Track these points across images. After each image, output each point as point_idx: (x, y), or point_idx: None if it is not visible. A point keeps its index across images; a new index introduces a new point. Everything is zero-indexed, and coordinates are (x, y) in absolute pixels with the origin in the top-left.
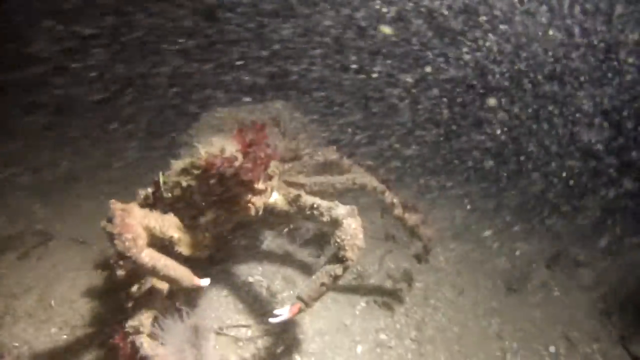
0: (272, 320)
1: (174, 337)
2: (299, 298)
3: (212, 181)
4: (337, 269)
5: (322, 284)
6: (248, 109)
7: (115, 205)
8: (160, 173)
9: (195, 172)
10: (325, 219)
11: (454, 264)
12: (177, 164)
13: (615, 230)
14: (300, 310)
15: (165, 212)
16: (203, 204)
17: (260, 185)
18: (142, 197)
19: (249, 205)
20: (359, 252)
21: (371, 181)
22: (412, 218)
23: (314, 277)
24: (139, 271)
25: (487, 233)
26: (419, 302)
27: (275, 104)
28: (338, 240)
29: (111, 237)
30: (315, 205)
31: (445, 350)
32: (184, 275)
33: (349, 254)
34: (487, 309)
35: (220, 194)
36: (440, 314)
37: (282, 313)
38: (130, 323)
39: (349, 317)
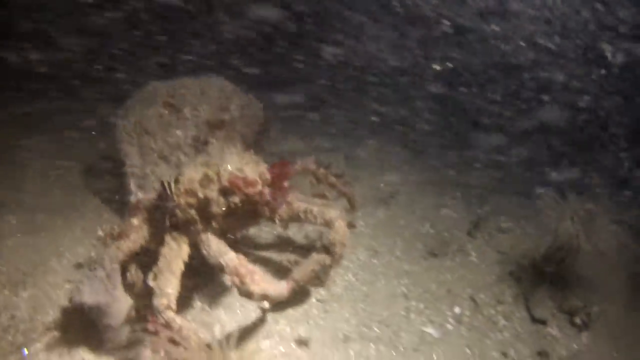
0: None
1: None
2: (293, 279)
3: (234, 199)
4: (327, 260)
5: (312, 270)
6: (181, 84)
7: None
8: (170, 180)
9: (214, 186)
10: (319, 221)
11: (373, 228)
12: (192, 172)
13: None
14: (292, 289)
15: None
16: (217, 216)
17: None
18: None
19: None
20: (345, 248)
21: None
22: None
23: (305, 263)
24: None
25: (415, 199)
26: None
27: (210, 80)
28: (330, 237)
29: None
30: (307, 210)
31: (350, 307)
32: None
33: (338, 250)
34: (399, 271)
35: (239, 209)
36: (351, 273)
37: None
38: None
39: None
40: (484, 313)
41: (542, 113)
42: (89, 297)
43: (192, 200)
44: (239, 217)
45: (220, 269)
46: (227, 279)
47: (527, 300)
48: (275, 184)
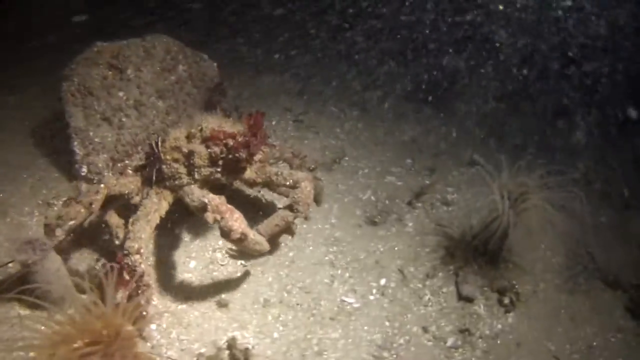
0: None
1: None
2: (257, 229)
3: (215, 149)
4: (290, 217)
5: (277, 225)
6: (126, 45)
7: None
8: (157, 138)
9: (197, 140)
10: (288, 182)
11: None
12: (176, 132)
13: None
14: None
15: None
16: (200, 167)
17: (255, 159)
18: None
19: (243, 171)
20: (308, 208)
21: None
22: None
23: (270, 218)
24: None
25: (360, 165)
26: None
27: (156, 40)
28: (295, 196)
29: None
30: (278, 172)
31: (274, 272)
32: None
33: (301, 209)
34: (329, 238)
35: (221, 160)
36: (279, 240)
37: None
38: (129, 244)
39: (189, 235)
40: (410, 286)
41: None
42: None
43: (177, 156)
44: (221, 170)
45: (202, 208)
46: (208, 217)
47: (457, 276)
48: (251, 131)
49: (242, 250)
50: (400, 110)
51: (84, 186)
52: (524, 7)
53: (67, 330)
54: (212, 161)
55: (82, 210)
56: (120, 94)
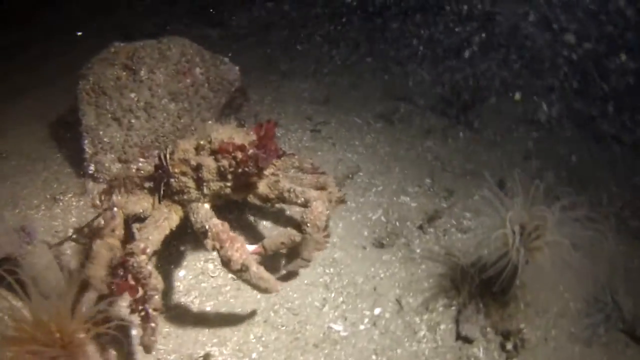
0: None
1: None
2: (262, 244)
3: (223, 162)
4: (297, 237)
5: (282, 243)
6: (142, 46)
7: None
8: (165, 149)
9: (206, 152)
10: (300, 200)
11: None
12: (185, 144)
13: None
14: (259, 253)
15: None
16: (209, 181)
17: (266, 172)
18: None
19: (254, 187)
20: (318, 230)
21: (333, 186)
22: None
23: (277, 233)
24: None
25: (375, 182)
26: None
27: (172, 41)
28: (304, 217)
29: None
30: (291, 189)
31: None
32: None
33: (309, 230)
34: (327, 258)
35: (230, 174)
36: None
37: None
38: (134, 244)
39: (183, 243)
40: (405, 319)
41: None
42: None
43: (185, 169)
44: (231, 185)
45: (203, 234)
46: (207, 244)
47: (459, 312)
48: (261, 143)
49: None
50: (428, 124)
51: (102, 218)
52: None
53: (25, 329)
54: (221, 175)
55: (109, 240)
56: (132, 95)
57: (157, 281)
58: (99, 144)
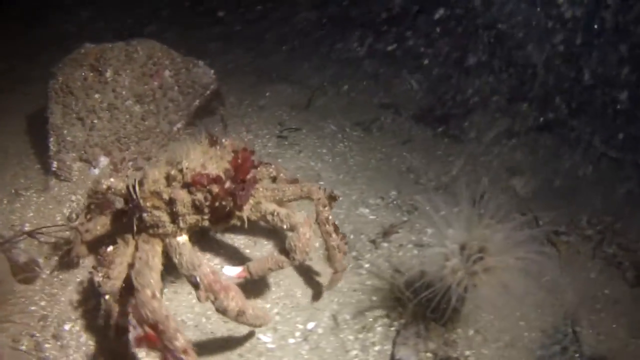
0: (223, 272)
1: None
2: (247, 268)
3: (198, 195)
4: (285, 263)
5: (269, 268)
6: (111, 47)
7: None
8: (134, 181)
9: (178, 184)
10: (285, 226)
11: None
12: (154, 173)
13: None
14: (244, 278)
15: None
16: (184, 215)
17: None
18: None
19: (234, 216)
20: (306, 256)
21: (317, 192)
22: (335, 240)
23: (264, 257)
24: None
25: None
26: None
27: (140, 43)
28: (292, 242)
29: None
30: (275, 213)
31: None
32: None
33: (297, 257)
34: None
35: (207, 208)
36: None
37: (230, 272)
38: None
39: None
40: (339, 336)
41: None
42: None
43: (158, 203)
44: (208, 217)
45: (193, 284)
46: (200, 296)
47: (397, 334)
48: (238, 176)
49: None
50: (408, 134)
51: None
52: None
53: None
54: (197, 209)
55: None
56: (97, 96)
57: (175, 323)
58: (63, 142)
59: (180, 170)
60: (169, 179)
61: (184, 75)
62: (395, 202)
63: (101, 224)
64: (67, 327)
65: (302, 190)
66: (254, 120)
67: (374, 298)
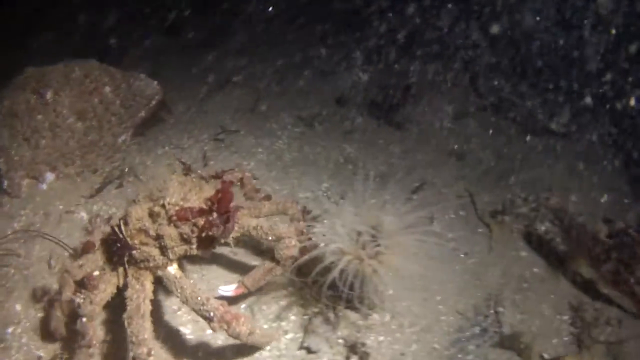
0: (219, 293)
1: None
2: (244, 284)
3: (184, 228)
4: (277, 270)
5: (263, 279)
6: (50, 69)
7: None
8: (119, 221)
9: (163, 219)
10: (270, 237)
11: None
12: (137, 211)
13: None
14: (242, 292)
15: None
16: (173, 247)
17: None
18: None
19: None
20: (295, 262)
21: (292, 207)
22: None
23: (256, 270)
24: None
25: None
26: None
27: (78, 64)
28: (281, 252)
29: None
30: (258, 227)
31: None
32: None
33: (288, 264)
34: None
35: (194, 238)
36: None
37: (228, 290)
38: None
39: None
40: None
41: None
42: None
43: (145, 239)
44: (195, 245)
45: (205, 318)
46: (214, 328)
47: (309, 322)
48: (221, 209)
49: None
50: (352, 126)
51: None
52: None
53: None
54: (184, 240)
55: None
56: (39, 117)
57: None
58: (11, 162)
59: (163, 206)
60: (152, 215)
61: (124, 89)
62: (325, 195)
63: (92, 261)
64: (9, 330)
65: (278, 206)
66: (196, 126)
67: (291, 289)
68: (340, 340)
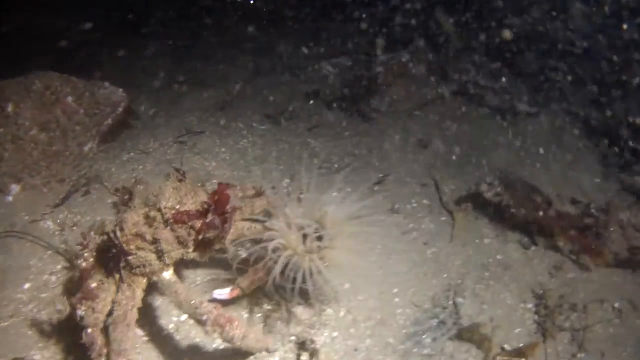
0: (214, 296)
1: None
2: (239, 286)
3: (181, 232)
4: (272, 269)
5: (259, 279)
6: (10, 82)
7: None
8: (114, 227)
9: (159, 223)
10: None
11: None
12: (133, 216)
13: None
14: (237, 295)
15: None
16: (170, 251)
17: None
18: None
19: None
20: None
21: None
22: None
23: (251, 271)
24: None
25: None
26: None
27: (37, 76)
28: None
29: None
30: (251, 227)
31: None
32: None
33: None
34: None
35: (191, 242)
36: None
37: (223, 294)
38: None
39: None
40: None
41: None
42: None
43: (142, 244)
44: (192, 249)
45: (199, 321)
46: (207, 331)
47: (265, 320)
48: (218, 210)
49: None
50: (318, 120)
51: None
52: None
53: None
54: (181, 243)
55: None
56: (0, 130)
57: None
58: None
59: (159, 210)
60: (148, 220)
61: (88, 98)
62: (286, 190)
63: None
64: None
65: (268, 201)
66: (162, 130)
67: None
68: (293, 338)
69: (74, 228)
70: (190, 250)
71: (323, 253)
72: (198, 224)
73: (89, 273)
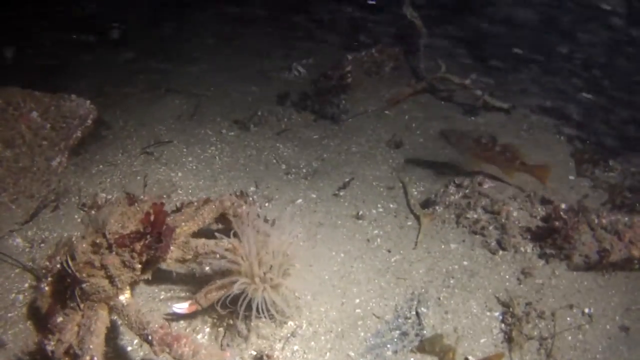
0: (173, 310)
1: None
2: (196, 301)
3: (125, 255)
4: (229, 284)
5: (216, 294)
6: None
7: None
8: (66, 256)
9: (105, 249)
10: (219, 253)
11: None
12: (82, 245)
13: None
14: (195, 309)
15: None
16: (119, 275)
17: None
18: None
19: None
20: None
21: (228, 200)
22: None
23: (208, 287)
24: None
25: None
26: None
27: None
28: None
29: None
30: (205, 245)
31: None
32: None
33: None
34: None
35: (137, 263)
36: None
37: (181, 308)
38: None
39: None
40: None
41: None
42: None
43: (92, 271)
44: (139, 271)
45: (146, 342)
46: (155, 351)
47: (224, 334)
48: (153, 231)
49: None
50: (287, 124)
51: None
52: None
53: None
54: (128, 267)
55: None
56: None
57: None
58: None
59: (104, 236)
60: (95, 247)
61: (53, 112)
62: (252, 198)
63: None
64: None
65: (216, 207)
66: (132, 140)
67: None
68: (252, 352)
69: (42, 245)
70: (138, 272)
71: (278, 281)
72: (138, 246)
73: (54, 308)
